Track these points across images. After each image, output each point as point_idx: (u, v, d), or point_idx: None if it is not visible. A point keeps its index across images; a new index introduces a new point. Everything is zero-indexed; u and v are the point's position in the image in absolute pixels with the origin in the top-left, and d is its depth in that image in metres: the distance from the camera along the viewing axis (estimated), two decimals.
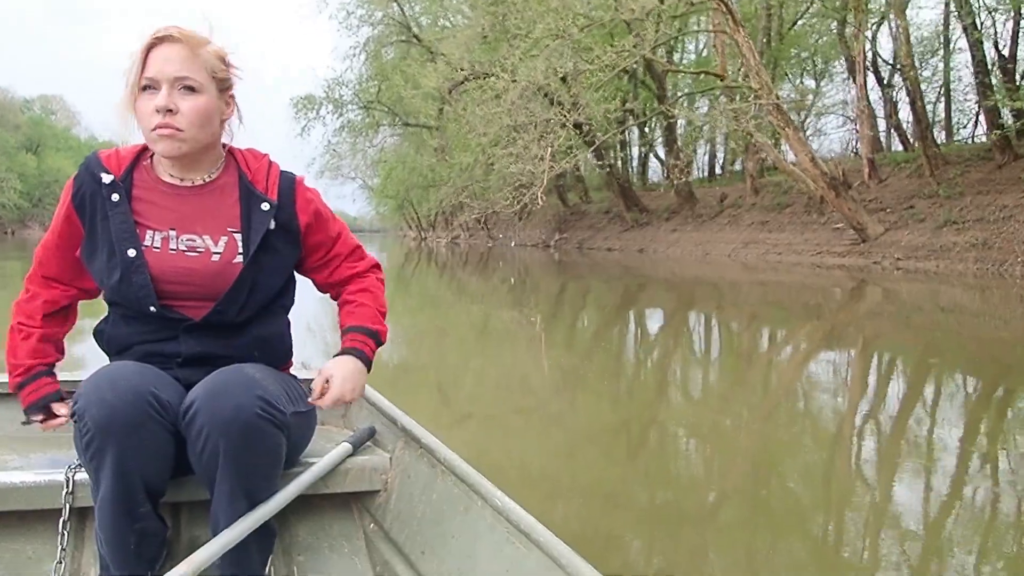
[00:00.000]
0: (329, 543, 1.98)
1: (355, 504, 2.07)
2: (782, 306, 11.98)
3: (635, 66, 21.78)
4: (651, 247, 27.36)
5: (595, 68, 19.94)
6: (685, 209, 27.37)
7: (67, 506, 1.70)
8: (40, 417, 1.75)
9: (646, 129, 30.00)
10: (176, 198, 1.73)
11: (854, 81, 26.39)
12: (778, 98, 18.79)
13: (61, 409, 1.74)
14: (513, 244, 39.32)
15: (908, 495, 3.33)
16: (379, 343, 1.87)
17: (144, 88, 1.63)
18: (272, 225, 1.74)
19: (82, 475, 1.66)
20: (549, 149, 19.20)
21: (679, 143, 27.38)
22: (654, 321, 11.03)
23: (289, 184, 1.81)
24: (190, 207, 1.73)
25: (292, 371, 1.95)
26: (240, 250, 1.72)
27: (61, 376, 1.84)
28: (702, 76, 23.18)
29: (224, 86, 1.72)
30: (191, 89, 1.64)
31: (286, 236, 1.78)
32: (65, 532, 1.68)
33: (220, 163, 1.79)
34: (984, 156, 18.88)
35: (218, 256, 1.70)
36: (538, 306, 12.62)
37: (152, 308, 1.67)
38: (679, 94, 26.62)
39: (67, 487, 1.70)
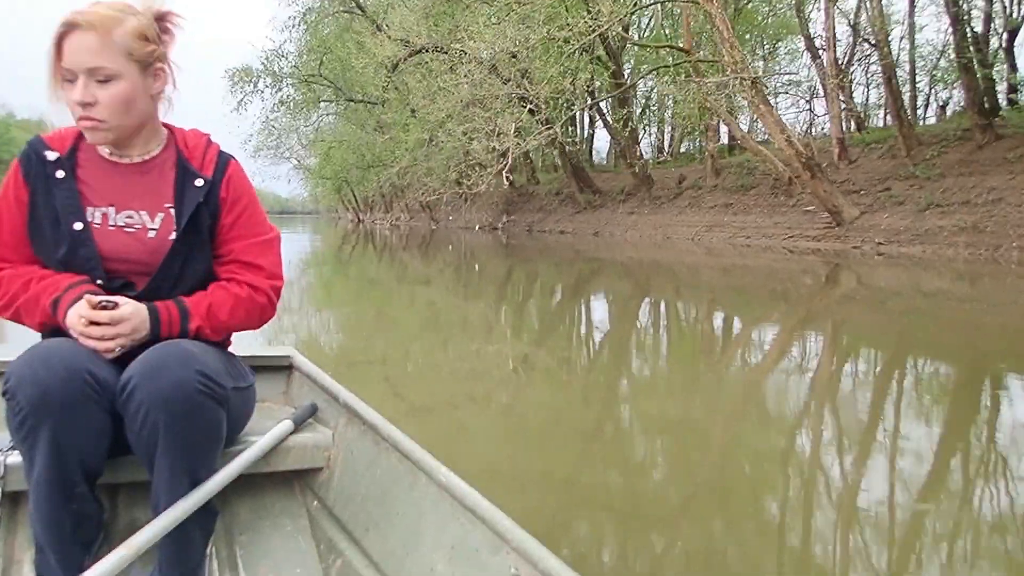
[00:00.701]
0: (271, 522, 1.93)
1: (297, 482, 2.03)
2: (746, 291, 11.19)
3: (594, 40, 20.19)
4: (606, 230, 26.00)
5: (563, 37, 18.41)
6: (642, 191, 26.05)
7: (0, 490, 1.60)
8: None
9: (601, 108, 28.40)
10: (115, 175, 1.74)
11: (813, 59, 25.51)
12: (753, 73, 17.49)
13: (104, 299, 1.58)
14: (457, 227, 37.59)
15: (873, 491, 3.13)
16: (183, 330, 1.68)
17: (64, 80, 1.60)
18: (202, 199, 1.73)
19: (13, 458, 1.59)
20: (514, 125, 17.52)
21: (633, 123, 25.99)
22: (608, 306, 10.24)
23: (224, 164, 1.80)
24: (128, 184, 1.73)
25: (231, 349, 1.87)
26: (175, 226, 1.72)
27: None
28: (665, 52, 21.76)
29: (147, 62, 1.66)
30: (108, 78, 1.61)
31: (212, 212, 1.76)
32: None
33: (159, 140, 1.79)
34: (962, 136, 17.92)
35: (154, 232, 1.71)
36: (489, 291, 11.71)
37: (99, 281, 1.66)
38: (641, 71, 25.18)
39: (0, 471, 1.60)
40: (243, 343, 2.02)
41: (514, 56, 18.92)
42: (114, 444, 1.56)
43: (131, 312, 1.59)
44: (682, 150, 35.15)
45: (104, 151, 1.73)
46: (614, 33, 20.95)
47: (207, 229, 1.76)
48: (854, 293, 10.91)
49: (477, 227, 34.71)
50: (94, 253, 1.65)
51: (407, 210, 48.87)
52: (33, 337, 1.68)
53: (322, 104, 39.60)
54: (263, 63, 30.08)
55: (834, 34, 20.88)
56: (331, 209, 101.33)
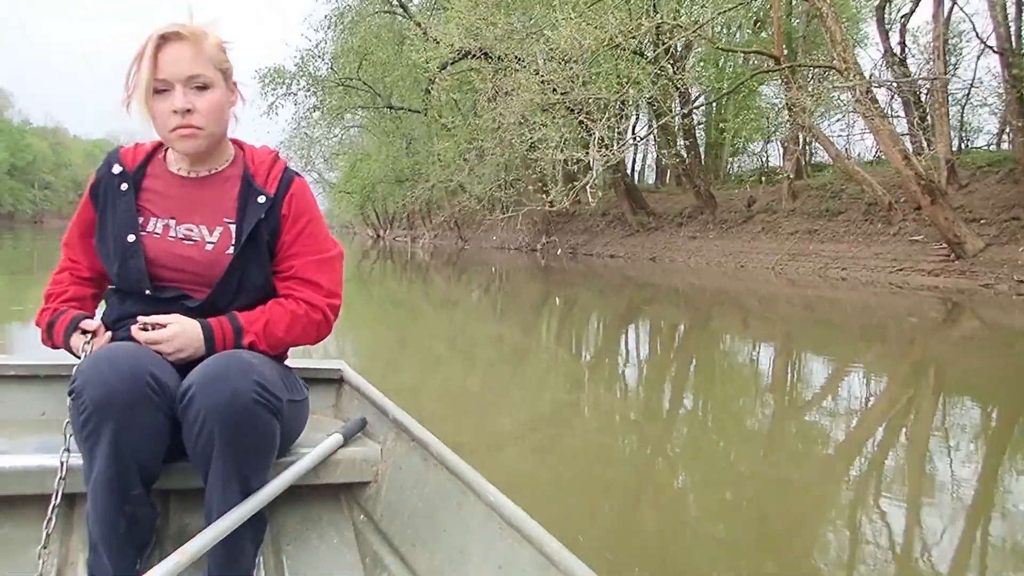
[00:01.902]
0: (318, 534, 1.93)
1: (345, 495, 2.02)
2: (833, 328, 10.02)
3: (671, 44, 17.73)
4: (665, 255, 23.41)
5: (631, 44, 15.90)
6: (705, 214, 23.48)
7: (58, 491, 1.59)
8: (83, 338, 1.70)
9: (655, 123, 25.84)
10: (181, 188, 1.77)
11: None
12: (869, 81, 14.94)
13: (90, 324, 1.72)
14: (489, 246, 35.04)
15: None
16: (237, 346, 1.71)
17: (156, 92, 1.64)
18: (263, 216, 1.74)
19: (72, 460, 1.59)
20: (596, 132, 14.96)
21: (695, 138, 23.46)
22: (665, 336, 9.25)
23: (288, 180, 1.81)
24: (192, 197, 1.76)
25: (287, 362, 1.90)
26: (233, 241, 1.73)
27: (57, 361, 1.96)
28: (751, 59, 19.23)
29: (227, 75, 1.73)
30: (203, 86, 1.66)
31: (272, 231, 1.77)
32: (54, 517, 1.59)
33: (228, 155, 1.82)
34: None
35: (211, 246, 1.73)
36: (539, 319, 10.77)
37: (147, 291, 1.70)
38: (708, 79, 22.63)
39: (60, 472, 1.59)
40: (294, 356, 1.98)
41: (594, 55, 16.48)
42: (170, 450, 1.57)
43: (174, 332, 1.65)
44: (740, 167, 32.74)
45: (175, 166, 1.79)
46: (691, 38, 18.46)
47: (266, 245, 1.77)
48: (974, 334, 9.33)
49: (514, 248, 32.13)
50: (141, 265, 1.69)
51: (431, 227, 46.36)
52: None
53: (350, 114, 37.23)
54: (297, 64, 27.39)
55: (945, 40, 18.26)
56: (345, 225, 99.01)
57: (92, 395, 1.45)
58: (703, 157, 30.51)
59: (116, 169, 1.76)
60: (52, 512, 1.57)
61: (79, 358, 1.66)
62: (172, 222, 1.73)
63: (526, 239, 32.07)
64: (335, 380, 2.44)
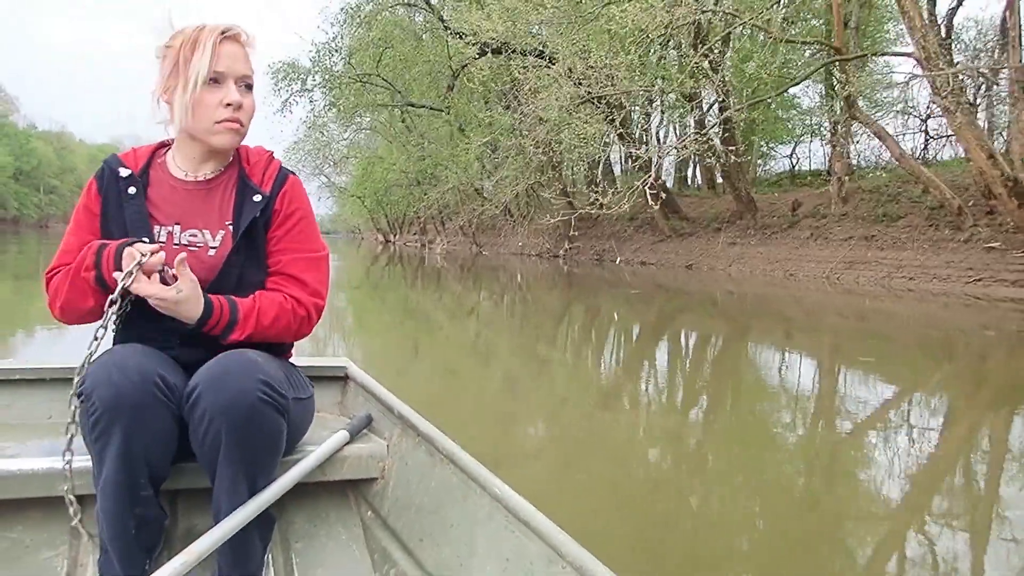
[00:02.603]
0: (327, 530, 1.93)
1: (352, 492, 2.02)
2: (889, 338, 9.09)
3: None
4: (703, 262, 21.83)
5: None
6: (745, 218, 21.88)
7: (68, 494, 1.59)
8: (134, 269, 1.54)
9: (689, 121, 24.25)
10: (182, 193, 1.75)
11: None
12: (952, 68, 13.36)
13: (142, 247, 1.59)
14: (507, 252, 33.47)
15: None
16: (230, 325, 1.66)
17: (210, 81, 1.65)
18: (258, 214, 1.74)
19: (80, 462, 1.57)
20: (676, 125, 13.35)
21: (738, 135, 21.86)
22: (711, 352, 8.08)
23: (283, 180, 1.81)
24: (194, 202, 1.74)
25: (292, 361, 1.91)
26: (233, 243, 1.73)
27: (65, 364, 2.03)
28: (808, 50, 17.63)
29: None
30: (249, 87, 1.72)
31: (265, 228, 1.77)
32: (62, 519, 1.64)
33: (228, 157, 1.81)
34: None
35: (214, 250, 1.72)
36: (578, 334, 9.60)
37: None
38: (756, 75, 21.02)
39: (68, 474, 1.58)
40: (299, 354, 1.98)
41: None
42: (178, 451, 1.57)
43: (184, 296, 1.57)
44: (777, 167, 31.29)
45: (176, 170, 1.77)
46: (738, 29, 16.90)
47: (262, 242, 1.77)
48: None
49: (534, 254, 30.53)
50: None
51: (444, 232, 44.81)
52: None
53: (360, 117, 35.67)
54: (312, 58, 25.17)
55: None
56: (351, 229, 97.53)
57: (101, 396, 1.44)
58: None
59: (124, 172, 1.74)
60: (73, 512, 1.58)
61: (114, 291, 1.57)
62: (176, 228, 1.73)
63: (547, 244, 30.46)
64: (340, 378, 2.42)
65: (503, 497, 1.57)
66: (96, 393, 1.45)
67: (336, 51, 24.00)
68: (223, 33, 1.66)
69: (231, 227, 1.74)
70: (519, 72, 17.68)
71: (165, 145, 1.83)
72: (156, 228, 1.70)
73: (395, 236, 57.56)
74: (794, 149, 31.59)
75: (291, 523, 1.91)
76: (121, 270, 1.56)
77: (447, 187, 27.46)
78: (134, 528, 1.54)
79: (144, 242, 1.63)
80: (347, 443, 1.93)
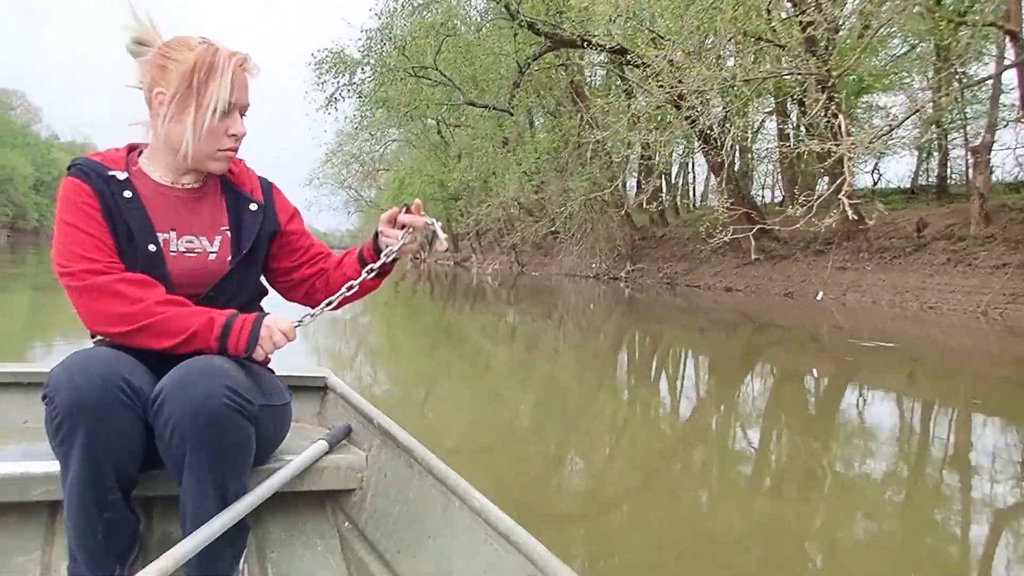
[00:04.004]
0: (303, 541, 1.90)
1: (330, 503, 1.99)
2: None
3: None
4: (806, 289, 18.53)
5: None
6: (857, 238, 18.53)
7: (38, 499, 1.63)
8: (274, 341, 1.65)
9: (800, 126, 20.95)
10: (174, 200, 1.73)
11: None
12: None
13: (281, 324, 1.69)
14: (554, 273, 30.20)
15: None
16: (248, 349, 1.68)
17: (222, 111, 1.64)
18: (260, 223, 1.78)
19: (54, 467, 1.56)
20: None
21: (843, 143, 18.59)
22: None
23: (268, 187, 1.86)
24: (186, 210, 1.73)
25: (271, 366, 1.87)
26: (232, 248, 1.74)
27: (39, 369, 2.06)
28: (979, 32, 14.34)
29: None
30: (244, 115, 1.72)
31: (269, 235, 1.82)
32: (35, 524, 1.65)
33: None
34: None
35: (214, 255, 1.73)
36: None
37: None
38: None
39: (39, 479, 1.61)
40: (279, 363, 1.92)
41: None
42: (150, 457, 1.54)
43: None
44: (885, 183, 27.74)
45: (160, 177, 1.74)
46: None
47: (262, 249, 1.81)
48: None
49: (589, 275, 27.25)
50: (166, 275, 1.65)
51: (480, 249, 41.60)
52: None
53: (397, 124, 32.64)
54: (364, 47, 21.28)
55: None
56: None
57: (63, 399, 1.43)
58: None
59: (119, 175, 1.67)
60: (49, 518, 1.66)
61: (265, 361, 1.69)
62: (172, 235, 1.70)
63: (604, 265, 27.20)
64: (320, 388, 2.39)
65: (482, 510, 1.53)
66: (58, 396, 1.43)
67: (389, 39, 20.66)
68: (243, 63, 1.66)
69: (228, 233, 1.74)
70: (628, 64, 14.44)
71: (134, 149, 1.77)
72: (160, 235, 1.68)
73: (424, 253, 54.40)
74: (877, 164, 28.32)
75: (267, 532, 1.87)
76: (256, 344, 1.62)
77: (498, 199, 24.30)
78: (102, 533, 1.50)
79: (261, 309, 1.82)
80: (326, 453, 1.90)
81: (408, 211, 1.77)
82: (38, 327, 8.82)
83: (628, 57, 19.38)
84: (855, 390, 7.09)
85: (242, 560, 1.67)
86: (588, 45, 18.43)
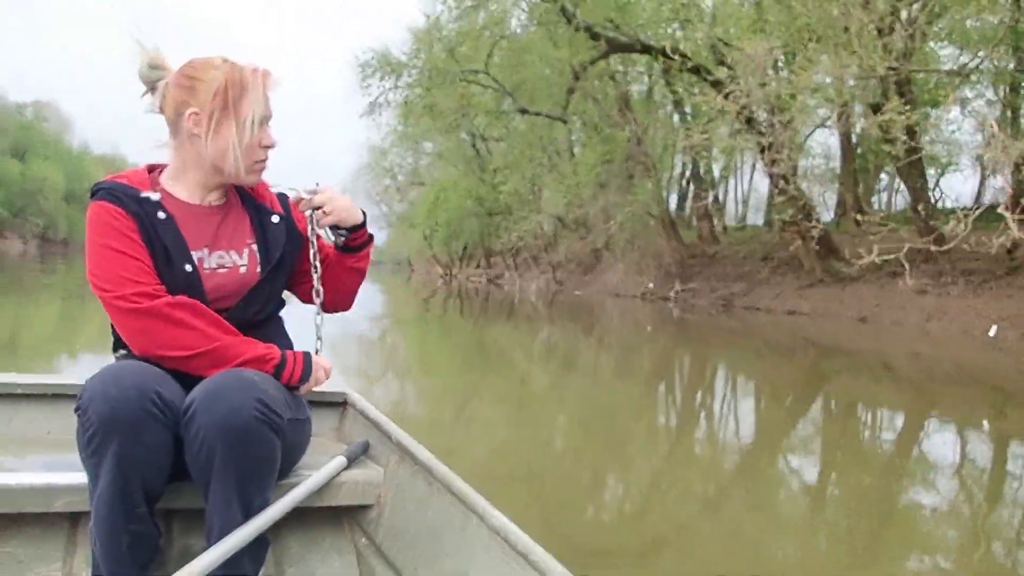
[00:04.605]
0: (320, 556, 1.90)
1: (347, 518, 1.99)
2: None
3: None
4: (883, 315, 17.05)
5: None
6: (939, 260, 17.02)
7: (61, 510, 1.63)
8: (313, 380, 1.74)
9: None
10: (203, 218, 1.75)
11: None
12: None
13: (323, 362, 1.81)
14: (597, 291, 28.84)
15: None
16: (365, 242, 1.92)
17: (258, 124, 1.68)
18: (285, 234, 1.82)
19: (77, 478, 1.58)
20: None
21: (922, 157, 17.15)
22: None
23: (284, 199, 1.88)
24: (215, 226, 1.76)
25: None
26: (259, 260, 1.77)
27: (64, 380, 2.11)
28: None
29: None
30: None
31: (296, 246, 1.85)
32: (57, 535, 1.66)
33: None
34: None
35: (245, 268, 1.75)
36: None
37: None
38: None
39: (62, 490, 1.61)
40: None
41: None
42: (173, 469, 1.54)
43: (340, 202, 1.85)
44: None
45: (186, 196, 1.75)
46: None
47: (289, 260, 1.84)
48: None
49: (636, 294, 25.86)
50: (203, 294, 1.66)
51: (515, 266, 40.36)
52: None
53: (431, 136, 31.52)
54: (412, 48, 20.07)
55: None
56: (396, 261, 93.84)
57: (97, 412, 1.43)
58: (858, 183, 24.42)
59: (153, 196, 1.68)
60: (69, 531, 1.66)
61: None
62: (205, 252, 1.72)
63: (650, 284, 25.79)
64: (339, 403, 2.39)
65: (501, 528, 1.52)
66: (92, 408, 1.43)
67: (438, 40, 19.39)
68: (269, 76, 1.70)
69: (254, 246, 1.78)
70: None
71: (153, 169, 1.79)
72: (194, 253, 1.69)
73: (455, 269, 53.11)
74: (938, 180, 26.77)
75: (285, 547, 1.87)
76: (307, 379, 1.71)
77: (541, 214, 23.05)
78: (127, 545, 1.51)
79: (281, 320, 1.89)
80: (344, 469, 1.89)
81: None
82: (66, 338, 8.61)
83: (681, 63, 18.16)
84: (933, 425, 6.39)
85: (261, 574, 1.65)
86: (647, 51, 17.17)
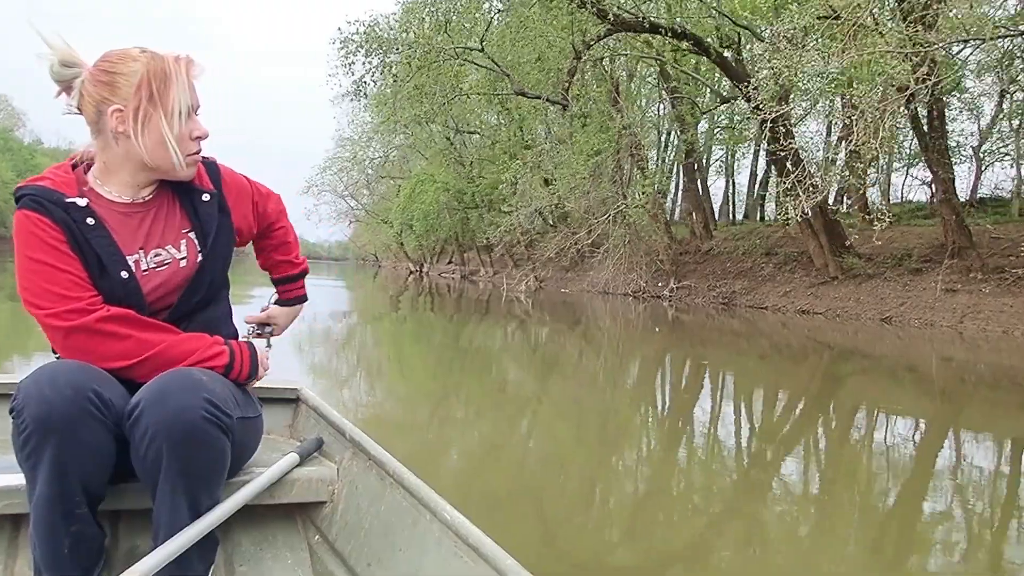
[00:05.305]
0: (273, 553, 1.85)
1: (300, 515, 1.96)
2: None
3: None
4: (909, 315, 15.77)
5: None
6: (966, 256, 15.79)
7: (1, 512, 1.59)
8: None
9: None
10: (133, 218, 1.67)
11: None
12: None
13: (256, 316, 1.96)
14: (584, 290, 27.30)
15: None
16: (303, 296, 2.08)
17: (186, 114, 1.62)
18: (218, 212, 1.73)
19: (15, 480, 1.55)
20: None
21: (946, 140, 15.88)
22: None
23: (214, 170, 1.79)
24: (147, 224, 1.67)
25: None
26: (199, 248, 1.70)
27: (2, 379, 2.01)
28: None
29: None
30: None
31: (225, 220, 1.76)
32: (1, 538, 1.60)
33: None
34: None
35: (185, 261, 1.69)
36: None
37: None
38: None
39: (1, 492, 1.58)
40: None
41: None
42: (118, 470, 1.51)
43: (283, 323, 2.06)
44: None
45: (114, 195, 1.66)
46: None
47: (226, 239, 1.76)
48: None
49: (627, 293, 24.36)
50: (141, 299, 1.60)
51: (491, 262, 38.65)
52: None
53: (403, 128, 29.64)
54: (396, 24, 17.91)
55: None
56: (361, 257, 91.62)
57: (32, 413, 1.38)
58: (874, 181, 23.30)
59: (79, 202, 1.59)
60: (9, 534, 1.61)
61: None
62: (141, 254, 1.64)
63: (642, 282, 24.29)
64: (292, 400, 2.34)
65: (453, 522, 1.51)
66: (27, 409, 1.39)
67: (431, 14, 17.34)
68: (194, 64, 1.63)
69: (191, 235, 1.69)
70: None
71: (77, 165, 1.67)
72: (128, 258, 1.62)
73: (427, 265, 51.17)
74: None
75: (236, 545, 1.82)
76: (256, 375, 1.74)
77: (528, 208, 21.44)
78: (68, 547, 1.47)
79: (228, 301, 1.83)
80: (296, 466, 1.86)
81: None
82: (4, 336, 8.36)
83: (684, 45, 16.70)
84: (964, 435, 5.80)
85: (210, 573, 1.61)
86: (654, 30, 15.68)
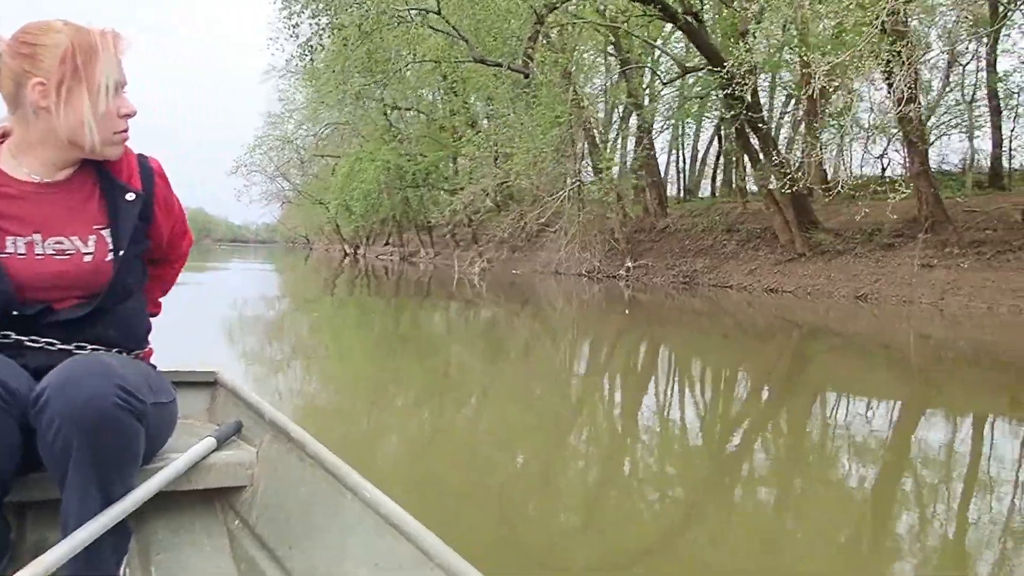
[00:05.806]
0: (190, 540, 1.78)
1: (219, 501, 1.88)
2: None
3: None
4: (886, 292, 15.16)
5: None
6: (941, 230, 15.23)
7: None
8: None
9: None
10: (36, 197, 1.55)
11: None
12: None
13: None
14: (536, 270, 26.19)
15: None
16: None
17: (113, 91, 1.53)
18: (139, 214, 1.63)
19: None
20: None
21: (920, 114, 15.27)
22: None
23: (149, 172, 1.68)
24: (53, 207, 1.56)
25: (152, 360, 1.78)
26: (111, 246, 1.58)
27: None
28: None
29: None
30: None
31: (146, 224, 1.67)
32: None
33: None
34: None
35: (90, 256, 1.56)
36: None
37: (15, 312, 1.50)
38: None
39: None
40: (166, 358, 1.87)
41: None
42: (24, 460, 1.42)
43: None
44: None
45: (20, 172, 1.55)
46: None
47: (143, 243, 1.67)
48: None
49: (581, 273, 23.33)
50: (7, 287, 1.48)
51: (431, 244, 37.14)
52: None
53: (327, 111, 27.93)
54: None
55: None
56: (290, 239, 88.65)
57: None
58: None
59: None
60: None
61: None
62: (37, 237, 1.53)
63: (596, 262, 23.30)
64: (209, 383, 2.26)
65: (373, 501, 1.48)
66: None
67: None
68: (120, 37, 1.53)
69: (105, 232, 1.58)
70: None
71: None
72: (10, 240, 1.50)
73: (362, 247, 49.21)
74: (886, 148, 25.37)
75: (152, 534, 1.75)
76: None
77: (480, 184, 20.15)
78: None
79: (12, 316, 1.63)
80: (214, 450, 1.80)
81: None
82: None
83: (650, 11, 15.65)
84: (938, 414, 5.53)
85: (124, 564, 1.54)
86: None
